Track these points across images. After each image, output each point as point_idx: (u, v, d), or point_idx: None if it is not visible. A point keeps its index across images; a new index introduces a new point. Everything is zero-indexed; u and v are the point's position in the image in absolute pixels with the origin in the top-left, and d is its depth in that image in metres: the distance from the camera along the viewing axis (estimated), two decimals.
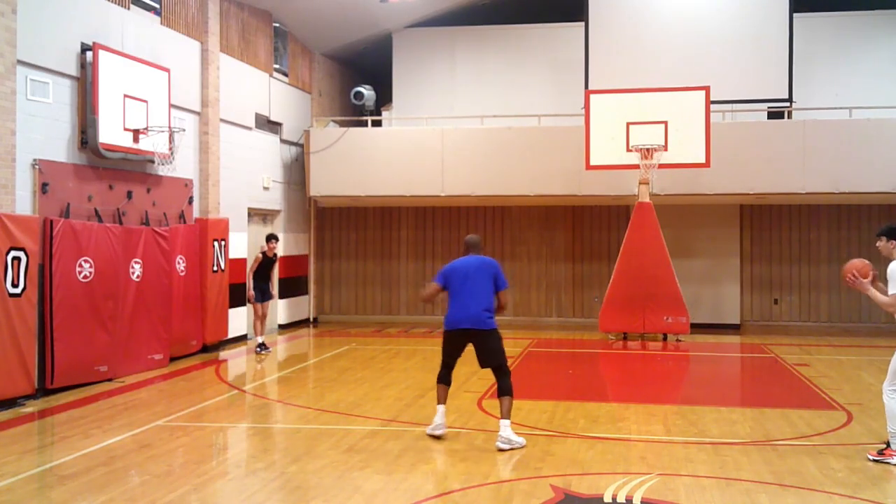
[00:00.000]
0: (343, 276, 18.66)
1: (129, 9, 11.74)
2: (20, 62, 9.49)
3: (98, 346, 10.53)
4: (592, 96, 15.11)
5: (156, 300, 11.78)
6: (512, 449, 7.33)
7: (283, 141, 16.81)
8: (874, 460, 6.87)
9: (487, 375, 11.18)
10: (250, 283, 13.42)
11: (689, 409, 9.09)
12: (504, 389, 7.54)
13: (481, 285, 7.70)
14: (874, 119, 15.48)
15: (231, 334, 14.08)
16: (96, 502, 5.89)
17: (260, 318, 13.48)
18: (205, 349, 13.16)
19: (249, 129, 15.36)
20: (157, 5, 12.51)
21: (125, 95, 11.10)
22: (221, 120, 14.02)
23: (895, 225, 7.28)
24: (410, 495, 6.02)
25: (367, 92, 17.92)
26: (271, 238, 13.54)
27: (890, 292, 6.82)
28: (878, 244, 7.22)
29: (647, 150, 14.50)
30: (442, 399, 7.82)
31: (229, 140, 14.38)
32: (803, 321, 17.22)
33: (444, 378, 7.87)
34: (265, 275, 13.51)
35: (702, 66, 16.27)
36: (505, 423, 7.44)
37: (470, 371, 11.52)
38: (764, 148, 15.45)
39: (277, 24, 16.45)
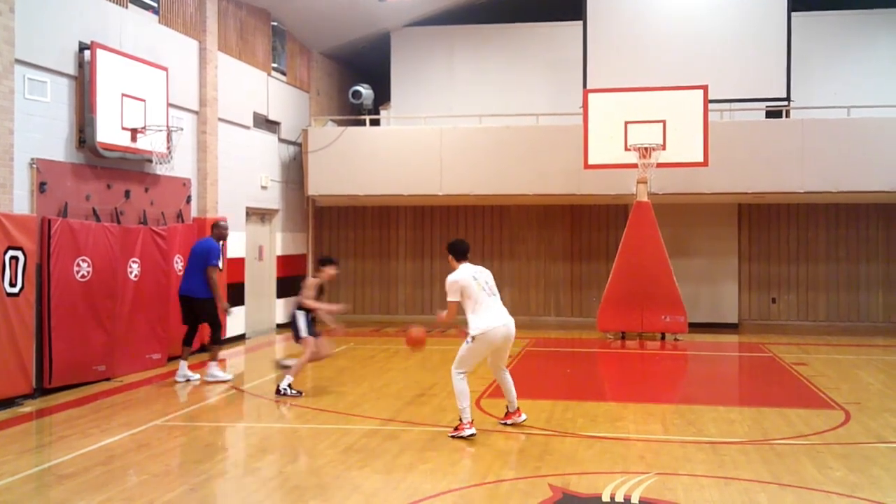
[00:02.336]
0: (341, 275, 18.59)
1: (127, 8, 11.72)
2: (18, 61, 9.47)
3: (96, 345, 10.52)
4: (591, 95, 15.11)
5: (154, 299, 11.76)
6: (216, 382, 10.49)
7: (281, 140, 16.80)
8: (453, 437, 7.50)
9: (487, 375, 11.22)
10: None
11: (688, 408, 9.09)
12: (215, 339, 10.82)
13: (193, 263, 10.66)
14: (873, 118, 15.48)
15: (229, 334, 14.05)
16: (94, 502, 5.89)
17: None
18: (203, 349, 13.12)
19: (247, 128, 15.34)
20: (155, 4, 12.49)
21: (123, 94, 11.09)
22: (219, 119, 14.01)
23: (457, 241, 8.02)
24: (409, 495, 6.01)
25: (366, 91, 17.91)
26: None
27: (449, 300, 7.66)
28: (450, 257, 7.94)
29: (646, 149, 14.49)
30: (186, 356, 10.69)
31: (227, 139, 14.37)
32: (801, 320, 17.23)
33: (190, 341, 10.78)
34: None
35: (700, 65, 16.26)
36: (213, 363, 10.63)
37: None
38: (762, 147, 15.45)
39: (276, 23, 16.43)
